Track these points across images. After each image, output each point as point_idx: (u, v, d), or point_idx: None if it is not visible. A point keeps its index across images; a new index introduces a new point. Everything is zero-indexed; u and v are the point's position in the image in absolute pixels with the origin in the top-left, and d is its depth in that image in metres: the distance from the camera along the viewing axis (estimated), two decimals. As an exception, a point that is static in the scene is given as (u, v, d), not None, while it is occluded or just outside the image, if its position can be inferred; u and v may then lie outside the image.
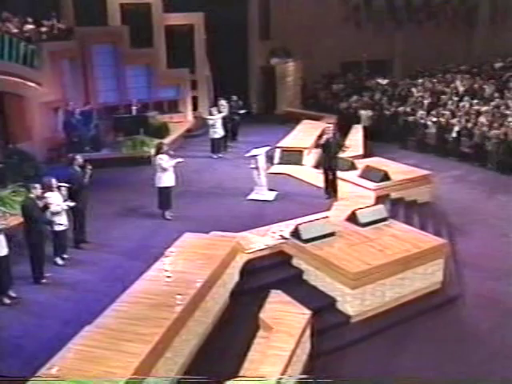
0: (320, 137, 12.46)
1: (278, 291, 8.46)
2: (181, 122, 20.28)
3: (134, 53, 19.40)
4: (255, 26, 24.60)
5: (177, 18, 20.98)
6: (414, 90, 24.33)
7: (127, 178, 14.73)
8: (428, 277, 9.40)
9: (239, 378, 6.49)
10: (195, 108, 21.86)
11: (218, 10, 21.41)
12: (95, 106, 18.12)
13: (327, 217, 10.51)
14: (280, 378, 6.22)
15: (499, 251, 11.43)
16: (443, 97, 22.31)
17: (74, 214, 10.17)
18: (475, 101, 20.90)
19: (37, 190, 8.95)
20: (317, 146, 12.82)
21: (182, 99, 20.93)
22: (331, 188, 12.45)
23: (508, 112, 18.88)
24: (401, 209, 12.59)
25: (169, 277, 7.79)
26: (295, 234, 9.69)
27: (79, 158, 10.44)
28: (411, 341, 8.40)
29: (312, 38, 25.83)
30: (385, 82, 27.03)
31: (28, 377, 5.79)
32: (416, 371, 7.65)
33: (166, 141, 15.72)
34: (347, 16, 28.28)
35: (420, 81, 26.05)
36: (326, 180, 12.54)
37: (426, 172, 14.00)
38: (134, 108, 18.21)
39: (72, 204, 9.57)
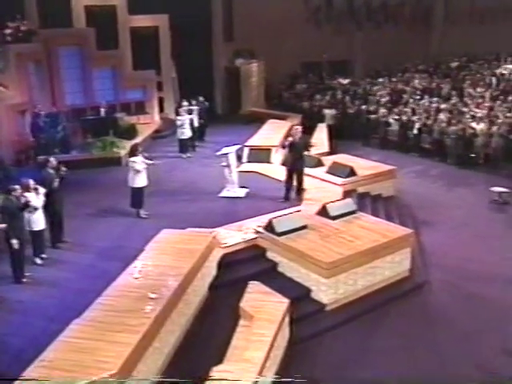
0: (287, 137, 12.66)
1: (256, 282, 8.80)
2: (148, 123, 20.42)
3: (100, 55, 19.39)
4: (219, 28, 24.88)
5: (142, 20, 21.08)
6: (375, 88, 25.07)
7: (98, 178, 14.81)
8: (396, 265, 9.89)
9: (223, 365, 6.81)
10: (162, 109, 22.01)
11: (182, 11, 21.59)
12: (62, 108, 18.07)
13: (299, 211, 10.90)
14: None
15: (460, 240, 12.10)
16: (405, 96, 23.06)
17: (51, 216, 10.29)
18: (434, 99, 21.70)
19: (16, 191, 9.08)
20: (282, 146, 12.97)
21: (148, 100, 21.05)
22: (297, 188, 12.61)
23: (465, 109, 19.71)
24: (367, 203, 13.08)
25: (139, 273, 7.97)
26: (269, 227, 10.04)
27: (53, 161, 10.53)
28: (383, 326, 8.86)
29: (275, 39, 26.32)
30: (346, 81, 27.74)
31: (16, 376, 5.85)
32: (389, 354, 8.11)
33: (134, 142, 15.85)
34: (308, 17, 28.87)
35: (380, 80, 26.84)
36: (289, 181, 12.55)
37: (390, 167, 14.54)
38: (102, 110, 18.30)
39: (44, 190, 9.69)
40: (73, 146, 16.45)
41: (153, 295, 7.28)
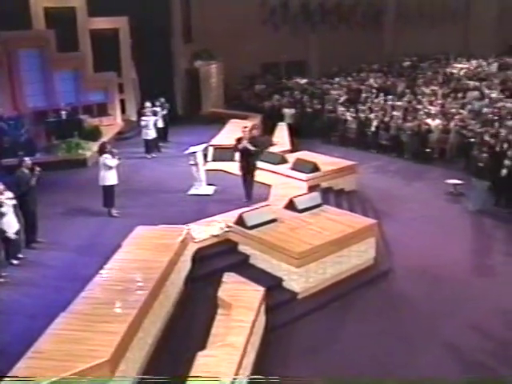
0: (239, 140, 12.65)
1: (231, 273, 9.18)
2: (111, 124, 20.43)
3: (60, 57, 19.26)
4: (178, 30, 25.05)
5: (102, 22, 21.01)
6: (331, 87, 25.78)
7: (65, 180, 14.81)
8: (362, 254, 10.45)
9: (207, 350, 7.16)
10: (123, 111, 22.05)
11: (141, 13, 21.69)
12: (24, 111, 17.95)
13: (268, 205, 11.32)
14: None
15: (419, 230, 12.77)
16: (364, 95, 23.81)
17: (25, 215, 10.40)
18: (389, 96, 22.53)
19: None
20: (235, 150, 13.07)
21: (110, 102, 21.05)
22: (248, 189, 12.65)
23: (419, 106, 20.57)
24: (331, 197, 13.62)
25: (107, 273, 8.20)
26: (239, 221, 10.43)
27: (28, 161, 10.68)
28: (352, 311, 9.39)
29: (233, 41, 26.71)
30: (303, 81, 28.40)
31: (4, 371, 6.02)
32: (358, 337, 8.61)
33: (102, 141, 15.98)
34: (265, 19, 29.41)
35: (337, 79, 27.60)
36: (245, 180, 12.70)
37: (351, 162, 15.14)
38: (63, 112, 18.26)
39: (12, 195, 9.77)
40: (37, 148, 16.39)
41: (119, 287, 7.59)
